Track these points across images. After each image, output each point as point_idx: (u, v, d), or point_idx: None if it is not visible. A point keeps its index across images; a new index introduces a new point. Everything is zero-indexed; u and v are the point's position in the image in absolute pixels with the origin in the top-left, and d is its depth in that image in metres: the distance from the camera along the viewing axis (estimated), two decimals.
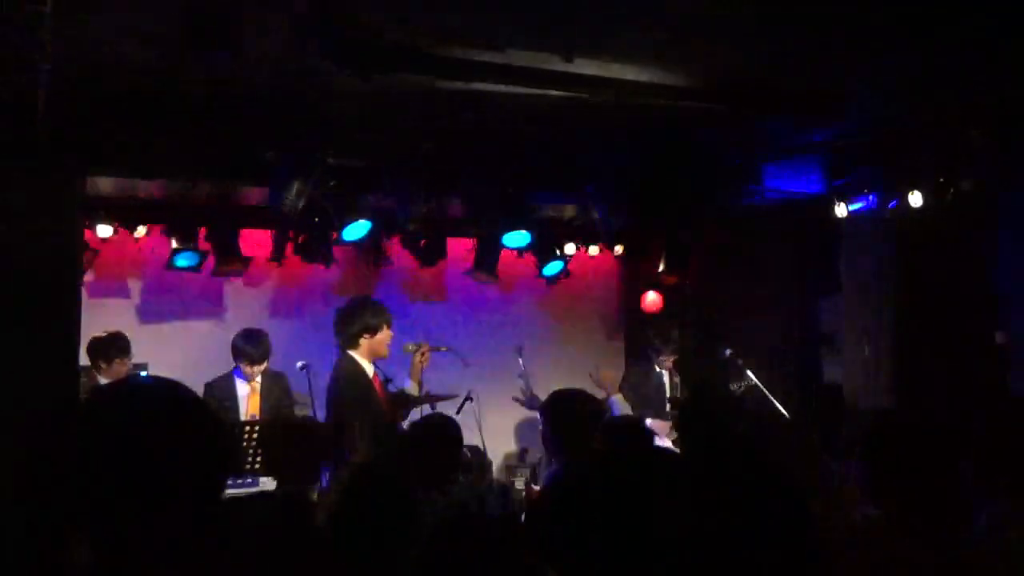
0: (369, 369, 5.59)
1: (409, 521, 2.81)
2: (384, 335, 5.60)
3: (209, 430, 1.33)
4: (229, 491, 5.00)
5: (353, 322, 5.55)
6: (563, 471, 2.81)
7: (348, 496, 2.91)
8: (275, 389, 6.38)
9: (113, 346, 6.23)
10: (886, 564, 2.26)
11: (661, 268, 8.16)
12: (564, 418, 3.85)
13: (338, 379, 5.49)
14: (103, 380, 5.96)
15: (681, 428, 3.59)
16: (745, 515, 1.52)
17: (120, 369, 6.16)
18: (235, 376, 6.33)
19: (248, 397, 6.29)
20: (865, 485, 2.45)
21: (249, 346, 6.24)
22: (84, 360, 5.91)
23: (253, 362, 6.25)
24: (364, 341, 5.55)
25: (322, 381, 6.45)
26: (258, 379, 6.33)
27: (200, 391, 5.94)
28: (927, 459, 2.36)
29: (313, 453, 3.79)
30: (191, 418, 1.33)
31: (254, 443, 5.09)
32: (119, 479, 1.25)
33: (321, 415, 5.82)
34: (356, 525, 2.78)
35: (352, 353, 5.55)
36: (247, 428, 5.38)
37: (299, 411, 6.36)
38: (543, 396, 6.41)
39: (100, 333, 6.31)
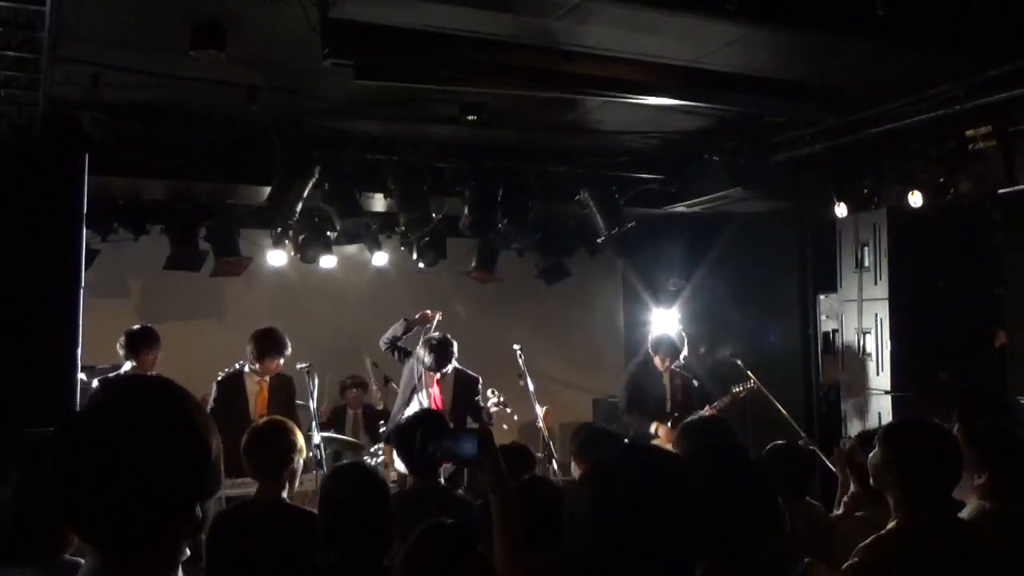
0: None
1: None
2: None
3: (200, 432, 1.33)
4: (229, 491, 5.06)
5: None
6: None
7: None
8: (282, 390, 6.34)
9: (141, 338, 6.35)
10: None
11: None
12: None
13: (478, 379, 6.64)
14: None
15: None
16: None
17: (149, 360, 6.33)
18: (244, 373, 6.30)
19: (257, 395, 6.25)
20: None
21: (274, 347, 6.23)
22: (84, 360, 5.91)
23: (274, 361, 6.27)
24: None
25: (323, 381, 6.43)
26: (267, 378, 6.30)
27: (201, 391, 5.96)
28: None
29: None
30: (183, 420, 1.33)
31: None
32: (110, 481, 1.25)
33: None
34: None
35: None
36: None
37: (300, 412, 6.35)
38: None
39: (132, 327, 6.46)
